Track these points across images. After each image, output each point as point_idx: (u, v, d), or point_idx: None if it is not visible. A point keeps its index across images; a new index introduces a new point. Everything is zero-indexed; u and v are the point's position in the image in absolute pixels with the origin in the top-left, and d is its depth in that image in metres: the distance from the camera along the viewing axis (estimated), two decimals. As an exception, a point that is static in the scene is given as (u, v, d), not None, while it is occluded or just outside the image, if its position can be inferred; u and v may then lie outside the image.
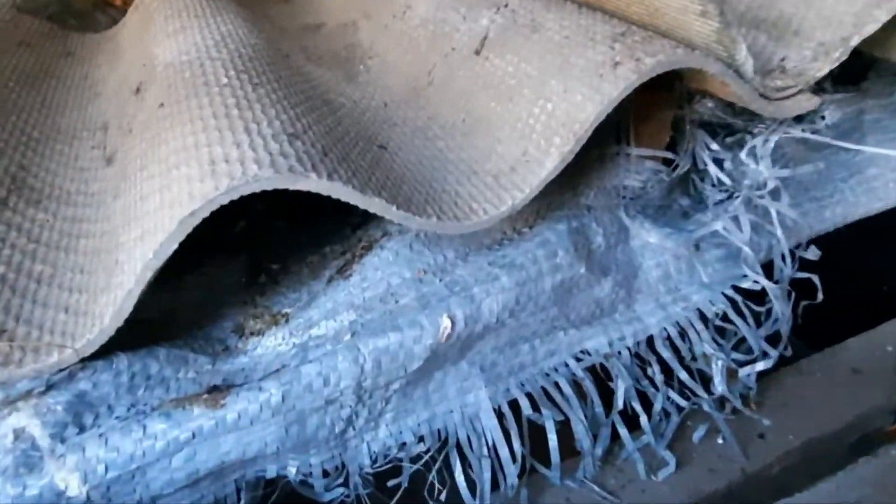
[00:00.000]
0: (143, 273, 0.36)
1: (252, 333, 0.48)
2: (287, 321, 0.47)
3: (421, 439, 0.46)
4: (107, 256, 0.42)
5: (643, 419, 0.51)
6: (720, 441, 0.56)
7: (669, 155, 0.61)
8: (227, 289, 0.51)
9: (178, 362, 0.42)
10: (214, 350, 0.46)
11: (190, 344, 0.44)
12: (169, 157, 0.41)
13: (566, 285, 0.48)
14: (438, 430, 0.47)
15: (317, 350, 0.42)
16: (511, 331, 0.47)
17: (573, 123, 0.45)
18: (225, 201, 0.35)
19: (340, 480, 0.44)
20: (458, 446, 0.47)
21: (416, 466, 0.45)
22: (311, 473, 0.42)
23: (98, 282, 0.40)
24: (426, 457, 0.46)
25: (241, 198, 0.55)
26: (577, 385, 0.51)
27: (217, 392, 0.39)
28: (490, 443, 0.47)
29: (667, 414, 0.54)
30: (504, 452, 0.47)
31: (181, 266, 0.52)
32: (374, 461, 0.45)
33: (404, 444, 0.45)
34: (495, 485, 0.48)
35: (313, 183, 0.37)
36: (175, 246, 0.35)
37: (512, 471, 0.46)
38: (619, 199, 0.60)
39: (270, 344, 0.45)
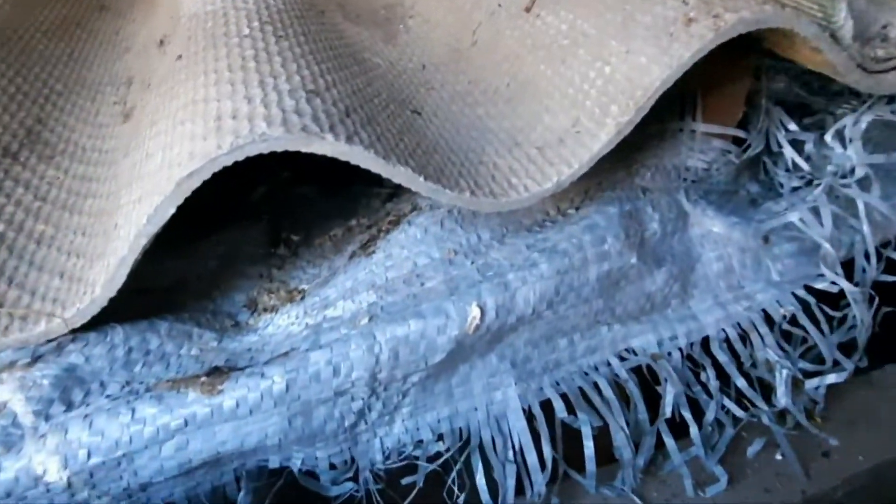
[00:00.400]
0: (136, 240, 0.32)
1: (265, 309, 0.44)
2: (303, 299, 0.44)
3: (440, 438, 0.41)
4: (108, 219, 0.38)
5: (693, 429, 0.46)
6: (778, 458, 0.50)
7: (741, 133, 0.54)
8: (243, 260, 0.47)
9: (181, 337, 0.39)
10: (223, 326, 0.42)
11: (196, 318, 0.41)
12: (177, 113, 0.37)
13: (614, 276, 0.43)
14: (460, 429, 0.42)
15: (330, 333, 0.38)
16: (548, 324, 0.42)
17: (635, 90, 0.38)
18: (228, 162, 0.31)
19: (349, 475, 0.40)
20: (482, 448, 0.42)
21: (432, 466, 0.41)
22: (316, 466, 0.39)
23: (97, 246, 0.37)
24: (446, 455, 0.42)
25: (263, 162, 0.51)
26: (619, 387, 0.46)
27: (217, 375, 0.35)
28: (517, 446, 0.42)
29: (720, 425, 0.48)
30: (532, 458, 0.42)
31: (194, 233, 0.49)
32: (387, 458, 0.41)
33: (421, 441, 0.41)
34: (521, 490, 0.43)
35: (329, 146, 0.32)
36: (172, 210, 0.32)
37: (539, 479, 0.42)
38: (680, 181, 0.54)
39: (283, 322, 0.41)
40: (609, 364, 0.45)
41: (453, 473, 0.41)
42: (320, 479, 0.39)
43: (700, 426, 0.47)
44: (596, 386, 0.44)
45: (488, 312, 0.39)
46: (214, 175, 0.46)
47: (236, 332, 0.41)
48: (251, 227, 0.49)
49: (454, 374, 0.41)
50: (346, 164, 0.52)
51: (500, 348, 0.42)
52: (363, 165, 0.34)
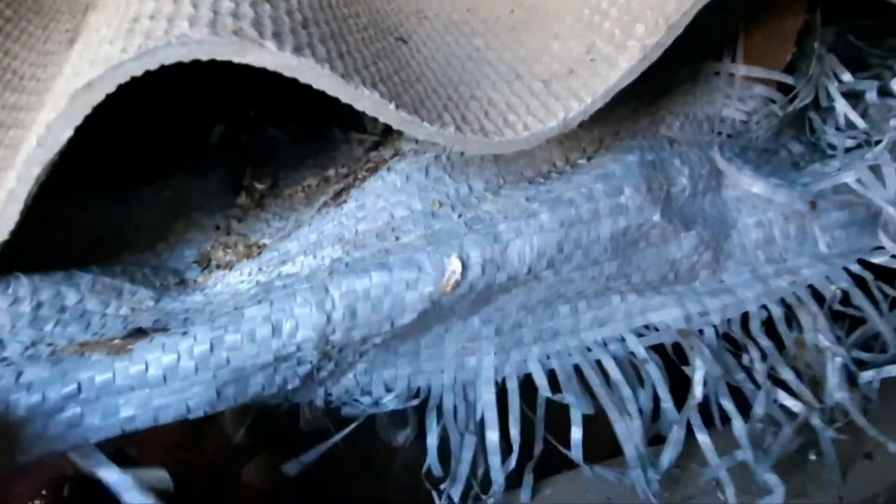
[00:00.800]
0: (26, 168, 0.25)
1: (218, 266, 0.38)
2: (261, 254, 0.37)
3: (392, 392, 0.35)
4: (21, 149, 0.32)
5: (737, 423, 0.37)
6: (812, 458, 0.42)
7: (788, 79, 0.46)
8: (196, 209, 0.41)
9: (108, 294, 0.32)
10: (165, 283, 0.36)
11: (130, 273, 0.34)
12: (98, 19, 0.30)
13: (631, 235, 0.35)
14: (419, 388, 0.36)
15: (280, 291, 0.31)
16: (548, 288, 0.35)
17: (665, 4, 0.31)
18: (136, 70, 0.24)
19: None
20: (439, 410, 0.36)
21: (375, 410, 0.35)
22: None
23: (1, 180, 0.31)
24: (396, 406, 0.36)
25: (222, 98, 0.44)
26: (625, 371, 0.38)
27: (136, 336, 0.29)
28: (478, 419, 0.35)
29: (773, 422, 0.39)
30: (493, 437, 0.35)
31: (142, 177, 0.42)
32: (329, 402, 0.34)
33: (370, 393, 0.35)
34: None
35: (269, 56, 0.25)
36: (68, 131, 0.25)
37: (497, 463, 0.35)
38: (713, 134, 0.46)
39: (233, 280, 0.35)
40: (623, 340, 0.37)
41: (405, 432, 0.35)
42: None
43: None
44: (599, 365, 0.37)
45: (472, 267, 0.31)
46: (164, 117, 0.39)
47: (179, 292, 0.35)
48: (208, 172, 0.43)
49: (425, 335, 0.35)
50: (323, 106, 0.44)
51: (487, 311, 0.35)
52: (316, 85, 0.27)
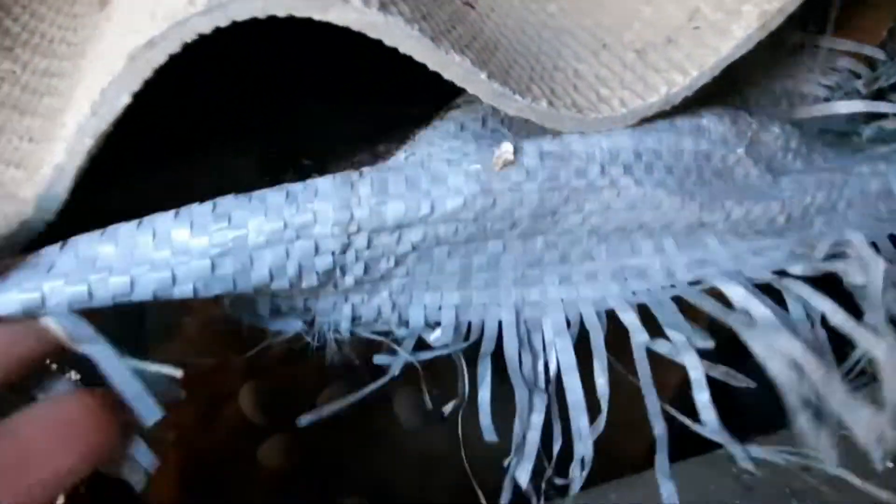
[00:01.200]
0: (77, 139, 0.22)
1: (265, 248, 0.35)
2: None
3: (437, 326, 0.29)
4: (60, 119, 0.29)
5: None
6: (891, 465, 0.39)
7: (879, 54, 0.42)
8: (239, 187, 0.37)
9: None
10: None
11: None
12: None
13: (714, 164, 0.30)
14: (470, 324, 0.29)
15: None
16: (629, 208, 0.28)
17: (787, -37, 0.27)
18: (204, 27, 0.21)
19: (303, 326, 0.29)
20: (496, 356, 0.29)
21: (413, 358, 0.28)
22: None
23: (41, 154, 0.28)
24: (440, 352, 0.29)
25: (267, 71, 0.40)
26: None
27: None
28: (553, 372, 0.29)
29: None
30: (575, 393, 0.28)
31: (179, 152, 0.39)
32: (357, 324, 0.29)
33: (407, 323, 0.29)
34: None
35: (354, 13, 0.22)
36: (125, 98, 0.22)
37: (583, 425, 0.28)
38: (791, 111, 0.43)
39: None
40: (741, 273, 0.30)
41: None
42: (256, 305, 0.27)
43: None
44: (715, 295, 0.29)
45: (527, 153, 0.26)
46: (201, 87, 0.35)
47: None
48: (249, 147, 0.39)
49: (478, 253, 0.29)
50: (367, 79, 0.40)
51: (553, 232, 0.29)
52: (402, 48, 0.24)
